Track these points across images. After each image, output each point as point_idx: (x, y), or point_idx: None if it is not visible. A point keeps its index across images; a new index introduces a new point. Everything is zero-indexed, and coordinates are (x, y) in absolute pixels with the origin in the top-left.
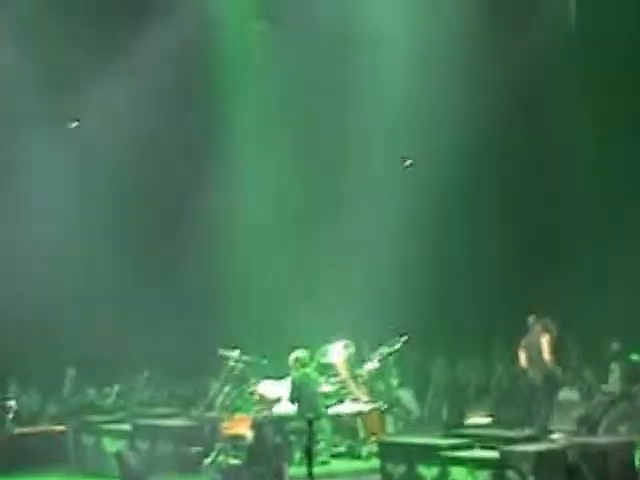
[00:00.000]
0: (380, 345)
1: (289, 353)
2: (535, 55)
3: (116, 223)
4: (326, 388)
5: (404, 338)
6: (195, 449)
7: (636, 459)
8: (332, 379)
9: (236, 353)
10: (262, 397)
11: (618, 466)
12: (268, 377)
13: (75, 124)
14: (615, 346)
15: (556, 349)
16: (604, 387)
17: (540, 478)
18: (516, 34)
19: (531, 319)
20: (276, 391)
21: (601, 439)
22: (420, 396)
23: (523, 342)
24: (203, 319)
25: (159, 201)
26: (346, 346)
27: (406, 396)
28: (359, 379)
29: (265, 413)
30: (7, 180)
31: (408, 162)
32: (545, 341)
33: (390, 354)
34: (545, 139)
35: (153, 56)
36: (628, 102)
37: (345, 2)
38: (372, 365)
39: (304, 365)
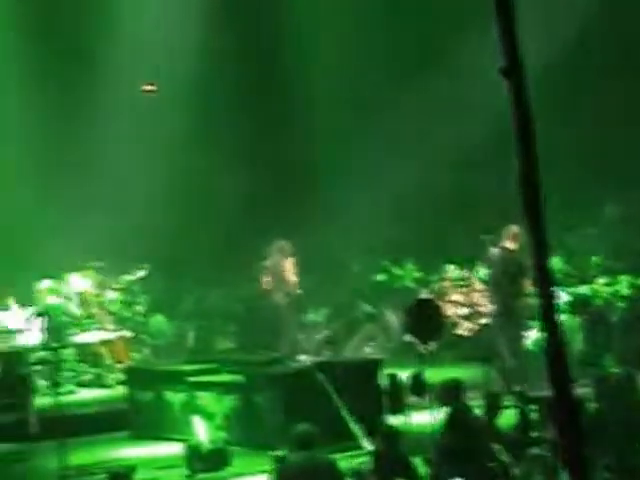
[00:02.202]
0: (124, 273)
1: (33, 283)
2: None
3: None
4: (75, 311)
5: (146, 266)
6: None
7: (378, 376)
8: (78, 308)
9: None
10: (4, 328)
11: (362, 383)
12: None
13: None
14: (356, 267)
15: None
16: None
17: (288, 399)
18: None
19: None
20: (18, 321)
21: (346, 358)
22: (168, 323)
23: (265, 266)
24: None
25: None
26: (90, 275)
27: (153, 323)
28: (104, 307)
29: (9, 344)
30: None
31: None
32: (288, 263)
33: (135, 282)
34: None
35: None
36: None
37: None
38: (116, 293)
39: (52, 292)
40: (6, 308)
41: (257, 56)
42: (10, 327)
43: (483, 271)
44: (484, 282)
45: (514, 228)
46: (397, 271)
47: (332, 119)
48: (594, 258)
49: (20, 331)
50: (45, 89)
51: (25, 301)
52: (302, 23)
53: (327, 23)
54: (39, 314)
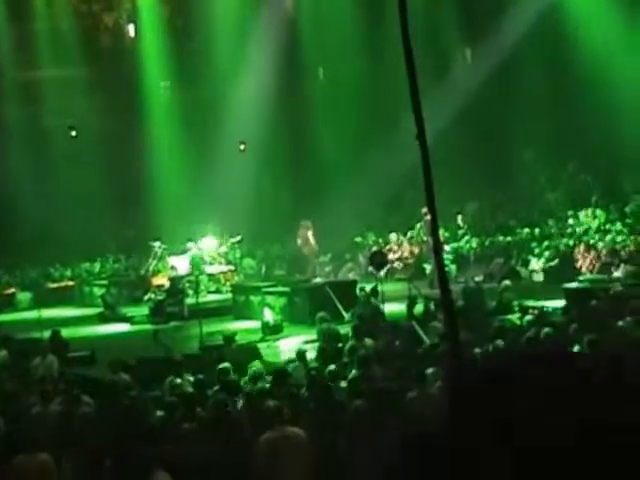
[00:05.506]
0: (230, 237)
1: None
2: None
3: None
4: (205, 257)
5: (241, 234)
6: None
7: (355, 287)
8: (207, 255)
9: (158, 243)
10: (173, 266)
11: (347, 289)
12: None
13: None
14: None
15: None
16: None
17: (311, 299)
18: None
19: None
20: (179, 262)
21: (339, 279)
22: (252, 262)
23: (298, 234)
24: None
25: None
26: (213, 238)
27: (246, 263)
28: (220, 254)
29: (175, 274)
30: None
31: None
32: (309, 233)
33: (235, 242)
34: None
35: None
36: None
37: None
38: (226, 247)
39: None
40: (180, 254)
41: None
42: (175, 264)
43: (409, 234)
44: (409, 241)
45: (424, 209)
46: (365, 237)
47: None
48: (460, 231)
49: (177, 268)
50: (188, 137)
51: (179, 251)
52: None
53: None
54: (189, 258)
